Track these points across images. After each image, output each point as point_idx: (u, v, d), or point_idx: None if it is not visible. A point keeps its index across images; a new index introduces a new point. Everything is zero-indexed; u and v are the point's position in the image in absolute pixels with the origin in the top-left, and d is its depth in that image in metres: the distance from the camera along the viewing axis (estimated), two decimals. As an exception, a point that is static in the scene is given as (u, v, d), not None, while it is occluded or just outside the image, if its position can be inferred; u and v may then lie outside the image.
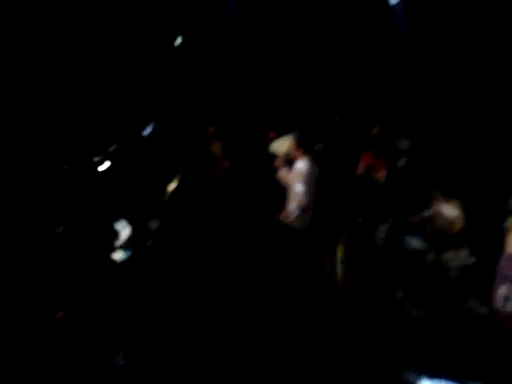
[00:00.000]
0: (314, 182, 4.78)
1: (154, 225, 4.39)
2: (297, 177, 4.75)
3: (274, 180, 4.92)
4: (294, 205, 4.72)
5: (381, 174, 5.00)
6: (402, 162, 5.02)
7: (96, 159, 4.63)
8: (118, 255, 4.17)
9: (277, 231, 4.73)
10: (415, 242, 4.60)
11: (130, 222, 4.28)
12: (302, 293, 4.34)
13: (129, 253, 4.20)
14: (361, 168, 5.12)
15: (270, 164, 4.95)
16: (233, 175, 5.23)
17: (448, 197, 4.63)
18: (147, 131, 4.97)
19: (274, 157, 4.91)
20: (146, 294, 4.14)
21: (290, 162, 4.85)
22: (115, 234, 4.23)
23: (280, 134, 5.02)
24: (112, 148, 4.74)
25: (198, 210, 4.89)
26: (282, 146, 4.84)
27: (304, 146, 4.83)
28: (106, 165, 4.59)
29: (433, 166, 4.90)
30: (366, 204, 4.91)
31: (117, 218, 4.29)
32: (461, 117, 5.12)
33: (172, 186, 4.73)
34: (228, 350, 3.86)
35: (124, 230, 4.27)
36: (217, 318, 4.07)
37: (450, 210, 4.48)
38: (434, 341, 3.98)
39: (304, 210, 4.71)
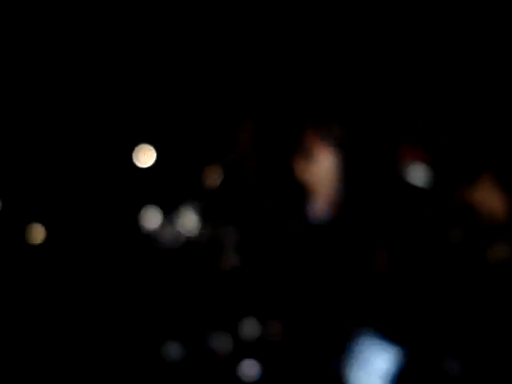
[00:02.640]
0: (344, 176, 4.69)
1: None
2: (323, 172, 4.67)
3: (296, 175, 4.84)
4: (320, 200, 4.64)
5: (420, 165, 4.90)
6: (441, 152, 4.92)
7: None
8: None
9: (303, 226, 4.66)
10: (456, 236, 4.51)
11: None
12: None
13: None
14: (401, 161, 5.03)
15: (290, 158, 4.89)
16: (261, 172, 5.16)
17: (489, 188, 4.55)
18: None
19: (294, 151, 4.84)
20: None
21: (312, 156, 4.77)
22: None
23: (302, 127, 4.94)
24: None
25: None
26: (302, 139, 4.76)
27: (327, 140, 4.76)
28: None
29: (474, 155, 4.82)
30: (406, 198, 4.82)
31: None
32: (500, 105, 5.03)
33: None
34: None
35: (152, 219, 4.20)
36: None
37: (493, 201, 4.40)
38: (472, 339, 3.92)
39: (332, 205, 4.63)
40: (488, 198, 4.57)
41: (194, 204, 4.30)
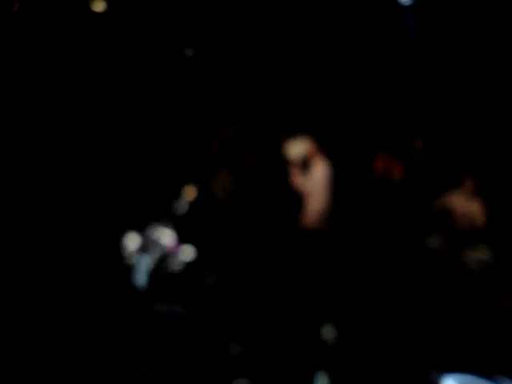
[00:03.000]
0: (333, 185, 4.73)
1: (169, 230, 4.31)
2: (316, 181, 4.71)
3: (290, 183, 4.86)
4: (313, 209, 4.68)
5: (397, 174, 4.94)
6: (418, 160, 4.96)
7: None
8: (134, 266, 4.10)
9: (295, 234, 4.68)
10: (434, 241, 4.55)
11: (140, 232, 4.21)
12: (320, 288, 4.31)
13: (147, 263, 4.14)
14: (377, 168, 5.07)
15: (284, 166, 4.90)
16: (250, 177, 5.17)
17: (467, 193, 4.59)
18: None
19: (287, 159, 4.85)
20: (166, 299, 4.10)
21: (305, 165, 4.79)
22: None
23: (293, 136, 4.96)
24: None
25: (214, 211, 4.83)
26: (297, 148, 4.78)
27: (322, 149, 4.79)
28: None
29: (450, 163, 4.85)
30: (384, 204, 4.86)
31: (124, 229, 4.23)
32: (478, 111, 5.06)
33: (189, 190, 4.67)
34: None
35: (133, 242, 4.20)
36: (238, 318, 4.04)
37: (470, 207, 4.44)
38: (456, 339, 3.95)
39: (323, 214, 4.66)
40: (466, 202, 4.61)
41: (172, 221, 4.32)
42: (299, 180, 4.75)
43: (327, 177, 4.70)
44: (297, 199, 4.78)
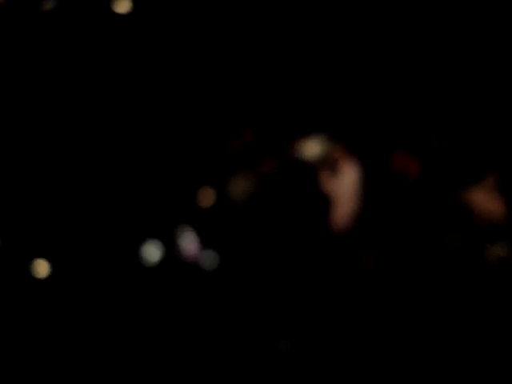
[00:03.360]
0: (363, 188, 4.69)
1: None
2: (346, 184, 4.66)
3: (317, 188, 4.83)
4: (342, 213, 4.64)
5: (414, 171, 4.91)
6: (435, 156, 4.92)
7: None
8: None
9: (324, 238, 4.65)
10: (454, 238, 4.53)
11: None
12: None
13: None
14: (395, 167, 5.03)
15: (309, 169, 4.85)
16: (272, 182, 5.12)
17: (487, 190, 4.57)
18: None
19: (312, 162, 4.79)
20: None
21: (331, 166, 4.73)
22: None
23: (308, 134, 4.90)
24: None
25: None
26: (313, 148, 4.73)
27: (348, 149, 4.74)
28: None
29: (469, 159, 4.82)
30: (402, 202, 4.83)
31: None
32: (496, 107, 5.03)
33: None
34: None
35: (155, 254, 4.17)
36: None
37: (490, 204, 4.42)
38: (476, 338, 3.95)
39: (354, 218, 4.62)
40: (486, 199, 4.59)
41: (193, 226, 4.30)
42: (327, 184, 4.69)
43: (357, 180, 4.64)
44: (324, 204, 4.73)
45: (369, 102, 5.32)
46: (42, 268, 4.07)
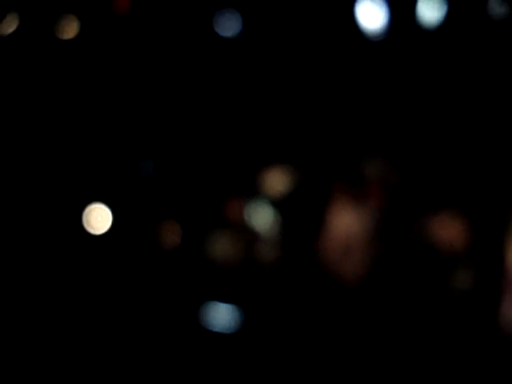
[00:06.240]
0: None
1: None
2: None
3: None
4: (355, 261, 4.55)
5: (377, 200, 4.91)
6: (396, 186, 4.93)
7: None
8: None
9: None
10: (416, 268, 4.56)
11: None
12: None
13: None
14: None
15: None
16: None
17: (447, 218, 4.60)
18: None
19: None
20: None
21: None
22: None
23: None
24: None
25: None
26: (276, 180, 4.64)
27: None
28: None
29: (428, 188, 4.85)
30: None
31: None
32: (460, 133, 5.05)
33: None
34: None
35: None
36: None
37: (452, 231, 4.45)
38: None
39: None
40: (447, 227, 4.62)
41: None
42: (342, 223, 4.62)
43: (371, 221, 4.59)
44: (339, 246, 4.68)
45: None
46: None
